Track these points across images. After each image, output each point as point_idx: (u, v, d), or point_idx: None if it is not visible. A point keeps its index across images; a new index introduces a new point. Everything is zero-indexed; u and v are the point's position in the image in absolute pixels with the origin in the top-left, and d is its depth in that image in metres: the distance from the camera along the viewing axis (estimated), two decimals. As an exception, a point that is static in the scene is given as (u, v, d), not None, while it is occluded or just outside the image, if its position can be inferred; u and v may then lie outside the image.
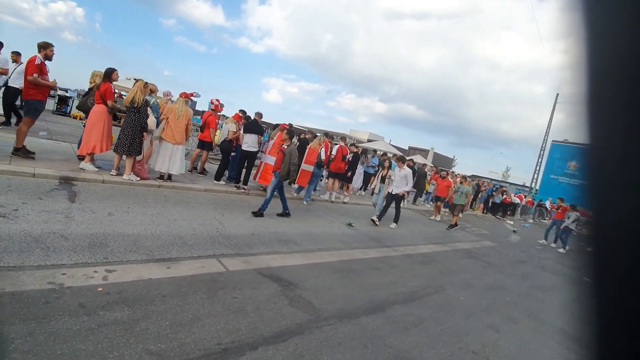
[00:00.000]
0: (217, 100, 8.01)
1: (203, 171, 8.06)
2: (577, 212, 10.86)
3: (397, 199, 8.23)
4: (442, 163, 39.47)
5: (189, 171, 8.06)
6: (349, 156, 9.90)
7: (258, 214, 5.97)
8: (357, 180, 11.97)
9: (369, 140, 35.12)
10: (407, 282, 4.74)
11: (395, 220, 8.30)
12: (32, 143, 6.19)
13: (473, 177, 31.19)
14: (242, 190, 7.46)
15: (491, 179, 38.55)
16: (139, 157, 5.99)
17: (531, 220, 22.41)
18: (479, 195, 17.71)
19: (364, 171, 12.69)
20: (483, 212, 18.35)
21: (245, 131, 7.37)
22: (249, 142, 7.37)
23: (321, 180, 10.55)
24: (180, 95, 6.39)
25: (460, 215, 11.09)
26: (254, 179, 7.95)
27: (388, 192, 8.26)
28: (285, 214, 6.47)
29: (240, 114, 8.08)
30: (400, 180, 8.13)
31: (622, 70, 0.34)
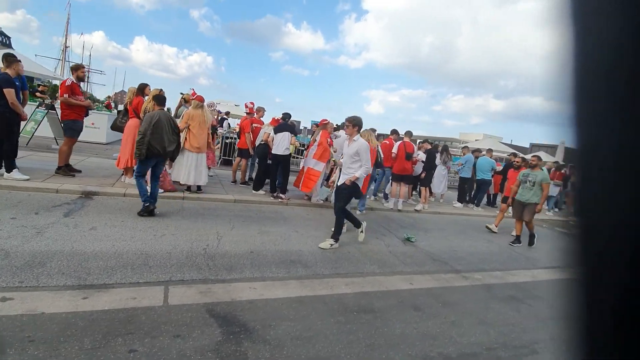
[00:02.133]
0: (252, 103, 7.42)
1: (246, 181, 7.50)
2: None
3: (348, 193, 4.67)
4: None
5: (232, 182, 7.63)
6: (418, 155, 7.97)
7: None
8: (440, 184, 9.75)
9: (475, 141, 30.55)
10: (463, 334, 2.90)
11: (334, 237, 4.64)
12: (93, 163, 6.61)
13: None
14: (280, 200, 6.54)
15: None
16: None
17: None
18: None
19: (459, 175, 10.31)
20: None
21: (275, 132, 6.48)
22: (278, 144, 6.44)
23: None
24: (197, 99, 5.94)
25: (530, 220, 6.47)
26: (296, 185, 6.95)
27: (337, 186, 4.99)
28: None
29: (281, 119, 7.28)
30: (350, 160, 4.65)
31: (613, 68, 0.32)
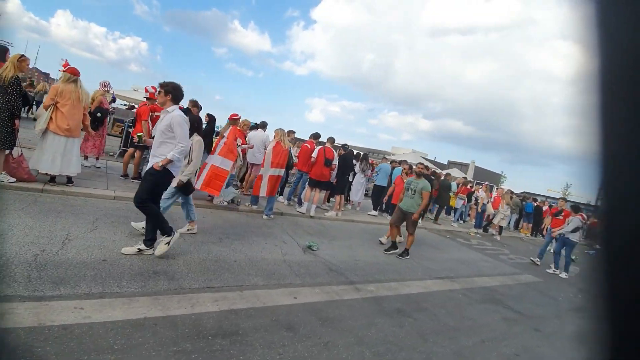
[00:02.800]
0: (154, 87, 6.52)
1: (138, 176, 6.51)
2: (580, 217, 7.90)
3: (153, 181, 3.57)
4: (488, 178, 35.27)
5: (122, 176, 6.58)
6: (337, 161, 7.81)
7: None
8: (358, 192, 9.79)
9: (402, 154, 32.47)
10: (334, 359, 2.57)
11: (146, 240, 3.63)
12: None
13: (525, 194, 26.93)
14: (174, 199, 5.74)
15: (547, 197, 33.55)
16: (9, 151, 4.55)
17: (598, 246, 18.07)
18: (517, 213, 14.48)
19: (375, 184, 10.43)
20: (532, 234, 14.94)
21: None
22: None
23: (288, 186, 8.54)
24: (68, 71, 4.92)
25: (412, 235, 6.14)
26: (195, 185, 6.20)
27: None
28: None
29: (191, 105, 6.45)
30: (161, 136, 3.63)
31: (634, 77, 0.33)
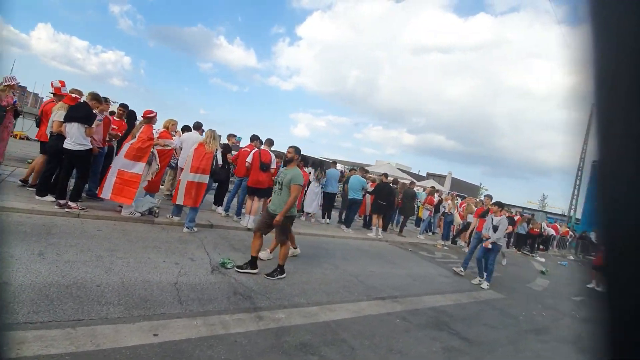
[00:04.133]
0: (61, 82, 5.64)
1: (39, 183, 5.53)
2: (507, 216, 7.05)
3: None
4: (466, 190, 35.25)
5: (22, 182, 5.60)
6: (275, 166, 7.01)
7: None
8: (312, 203, 9.01)
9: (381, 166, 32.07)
10: None
11: None
12: None
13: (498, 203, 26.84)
14: (67, 210, 4.80)
15: (524, 208, 33.67)
16: None
17: (572, 257, 17.84)
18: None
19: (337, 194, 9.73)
20: (505, 247, 14.42)
21: (65, 119, 4.80)
22: (71, 136, 4.78)
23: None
24: None
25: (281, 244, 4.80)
26: (99, 194, 5.29)
27: None
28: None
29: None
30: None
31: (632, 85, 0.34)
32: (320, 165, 9.10)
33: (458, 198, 17.82)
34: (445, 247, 10.72)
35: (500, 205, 6.78)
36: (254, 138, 7.22)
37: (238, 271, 4.23)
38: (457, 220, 11.67)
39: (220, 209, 7.30)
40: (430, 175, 41.77)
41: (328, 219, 9.50)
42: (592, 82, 0.36)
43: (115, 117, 6.13)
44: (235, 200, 7.40)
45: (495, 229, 6.56)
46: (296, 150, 4.56)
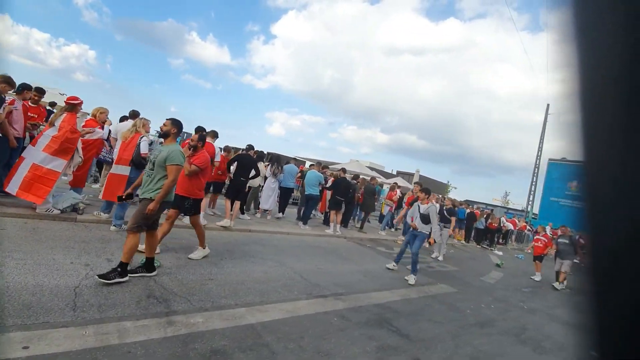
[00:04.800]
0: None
1: None
2: (435, 202, 7.32)
3: None
4: (433, 188, 36.12)
5: None
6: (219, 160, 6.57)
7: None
8: (268, 199, 8.65)
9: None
10: None
11: None
12: None
13: (467, 202, 27.62)
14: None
15: (487, 204, 34.94)
16: None
17: (529, 250, 18.60)
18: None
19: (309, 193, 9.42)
20: (465, 241, 14.76)
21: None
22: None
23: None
24: None
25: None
26: (5, 187, 4.66)
27: None
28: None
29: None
30: None
31: (615, 94, 0.35)
32: (277, 160, 8.75)
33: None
34: (426, 244, 10.71)
35: (426, 192, 6.46)
36: (199, 130, 6.75)
37: (132, 276, 3.51)
38: None
39: (163, 206, 6.78)
40: (399, 174, 42.52)
41: (281, 213, 9.26)
42: (577, 83, 0.37)
43: (30, 103, 5.46)
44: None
45: (423, 217, 6.18)
46: (173, 122, 3.86)
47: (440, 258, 9.08)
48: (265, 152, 9.14)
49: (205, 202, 6.33)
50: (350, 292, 4.74)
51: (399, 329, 3.86)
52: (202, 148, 4.58)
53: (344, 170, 9.56)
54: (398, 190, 12.40)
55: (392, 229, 12.58)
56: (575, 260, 8.56)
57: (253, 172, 6.96)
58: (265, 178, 8.64)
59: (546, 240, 9.24)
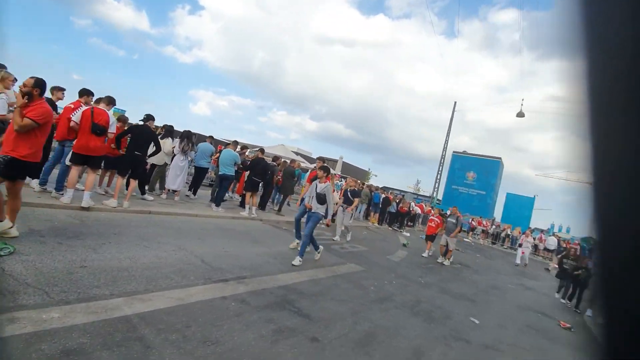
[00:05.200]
0: None
1: None
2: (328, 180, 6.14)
3: None
4: (355, 174, 37.88)
5: None
6: (113, 130, 5.65)
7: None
8: (176, 178, 7.87)
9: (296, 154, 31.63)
10: None
11: None
12: None
13: (385, 188, 29.52)
14: None
15: (400, 190, 38.03)
16: None
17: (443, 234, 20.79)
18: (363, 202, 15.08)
19: (198, 167, 8.71)
20: (379, 224, 15.76)
21: None
22: None
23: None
24: None
25: None
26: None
27: None
28: None
29: None
30: None
31: (625, 92, 0.34)
32: (187, 137, 7.95)
33: (342, 179, 18.65)
34: (324, 225, 10.90)
35: (325, 170, 5.98)
36: (84, 93, 5.69)
37: None
38: (336, 199, 12.03)
39: (34, 182, 5.60)
40: (319, 159, 43.56)
41: (193, 194, 8.62)
42: (585, 98, 0.36)
43: None
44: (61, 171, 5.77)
45: (319, 197, 5.80)
46: (37, 82, 3.43)
47: (336, 238, 8.86)
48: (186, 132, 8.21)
49: (92, 179, 5.39)
50: (255, 275, 4.53)
51: (300, 310, 3.79)
52: (41, 98, 3.65)
53: (262, 150, 9.20)
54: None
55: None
56: (455, 238, 9.60)
57: (153, 148, 6.17)
58: (174, 156, 7.82)
59: (438, 221, 10.12)
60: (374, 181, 54.11)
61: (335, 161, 38.74)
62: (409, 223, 18.80)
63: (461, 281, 8.09)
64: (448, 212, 10.31)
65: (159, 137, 8.09)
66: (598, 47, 0.36)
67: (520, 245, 15.30)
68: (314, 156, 46.50)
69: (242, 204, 9.67)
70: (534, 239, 19.94)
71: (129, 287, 3.27)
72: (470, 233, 22.45)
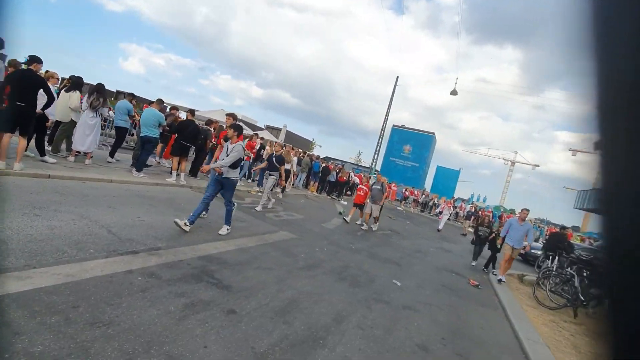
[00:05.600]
0: None
1: None
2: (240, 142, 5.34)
3: None
4: (299, 144, 37.42)
5: None
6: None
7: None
8: (85, 138, 6.84)
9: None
10: None
11: None
12: None
13: (327, 158, 29.68)
14: None
15: (341, 161, 38.86)
16: None
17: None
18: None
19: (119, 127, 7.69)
20: (318, 192, 15.91)
21: None
22: None
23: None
24: None
25: None
26: None
27: None
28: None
29: None
30: None
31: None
32: (98, 91, 6.85)
33: (281, 147, 18.23)
34: (260, 193, 10.60)
35: (236, 128, 5.27)
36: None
37: None
38: (293, 165, 11.73)
39: None
40: (268, 128, 42.22)
41: (110, 157, 7.70)
42: (595, 99, 0.37)
43: None
44: None
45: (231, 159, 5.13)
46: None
47: (259, 208, 8.01)
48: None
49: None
50: (173, 246, 4.15)
51: (220, 281, 3.57)
52: None
53: (192, 112, 8.37)
54: (258, 140, 12.01)
55: (249, 180, 12.29)
56: (378, 205, 9.93)
57: (44, 98, 5.16)
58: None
59: (367, 190, 10.39)
60: (318, 151, 54.46)
61: (279, 130, 37.90)
62: (348, 192, 19.34)
63: (389, 246, 8.56)
64: (373, 179, 10.50)
65: (64, 89, 6.90)
66: (608, 48, 0.36)
67: (441, 213, 16.72)
68: (260, 124, 44.76)
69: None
70: (455, 207, 21.98)
71: (3, 263, 2.72)
72: (403, 202, 23.96)
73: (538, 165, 51.42)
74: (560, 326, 5.40)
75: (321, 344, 2.95)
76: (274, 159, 8.42)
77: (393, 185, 25.80)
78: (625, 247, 0.35)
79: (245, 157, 11.18)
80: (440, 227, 15.80)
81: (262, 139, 13.91)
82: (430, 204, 23.66)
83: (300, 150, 18.53)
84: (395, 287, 5.25)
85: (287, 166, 11.83)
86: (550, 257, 8.70)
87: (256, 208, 8.03)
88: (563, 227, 11.65)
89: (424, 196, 24.78)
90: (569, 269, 6.93)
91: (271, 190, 8.60)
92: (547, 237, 14.41)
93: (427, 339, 3.74)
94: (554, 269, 7.66)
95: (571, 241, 11.47)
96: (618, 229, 0.36)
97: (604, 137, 0.37)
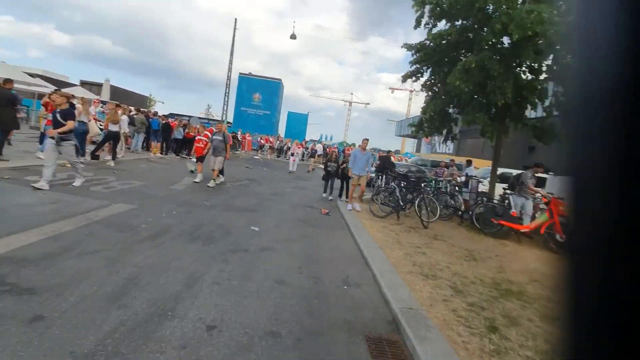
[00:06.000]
0: None
1: None
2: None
3: None
4: (131, 100, 31.06)
5: None
6: None
7: None
8: None
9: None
10: None
11: None
12: None
13: (170, 115, 25.98)
14: None
15: (188, 116, 35.32)
16: None
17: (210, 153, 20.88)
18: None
19: None
20: (162, 153, 14.12)
21: None
22: None
23: None
24: None
25: None
26: None
27: None
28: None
29: None
30: None
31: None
32: None
33: (101, 104, 15.10)
34: (81, 165, 8.54)
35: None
36: None
37: None
38: (94, 129, 9.53)
39: None
40: (84, 84, 33.33)
41: None
42: (573, 95, 0.38)
43: None
44: None
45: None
46: None
47: (45, 186, 5.78)
48: None
49: None
50: None
51: (16, 285, 2.71)
52: None
53: (9, 81, 5.56)
54: (76, 102, 9.30)
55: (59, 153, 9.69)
56: (220, 157, 8.86)
57: None
58: None
59: (206, 140, 9.46)
60: (161, 109, 47.67)
61: (100, 85, 30.67)
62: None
63: (246, 195, 8.51)
64: (215, 130, 9.56)
65: None
66: (589, 46, 0.36)
67: (292, 155, 17.68)
68: (72, 81, 34.65)
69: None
70: (307, 148, 23.62)
71: None
72: (259, 151, 24.13)
73: (369, 104, 60.10)
74: (389, 229, 6.68)
75: (170, 316, 2.68)
76: (57, 115, 6.15)
77: (247, 135, 25.42)
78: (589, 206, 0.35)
79: (46, 121, 8.63)
80: (292, 168, 16.66)
81: (72, 96, 10.86)
82: (285, 148, 24.65)
83: (132, 107, 15.61)
84: (253, 233, 5.29)
85: (114, 127, 9.85)
86: (380, 176, 10.49)
87: (35, 185, 5.77)
88: (388, 151, 14.14)
89: (278, 142, 25.52)
90: (392, 183, 8.53)
91: (78, 158, 6.76)
92: (377, 161, 17.33)
93: (284, 272, 3.95)
94: (382, 185, 9.30)
95: (393, 161, 14.05)
96: (585, 224, 0.35)
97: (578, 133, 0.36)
